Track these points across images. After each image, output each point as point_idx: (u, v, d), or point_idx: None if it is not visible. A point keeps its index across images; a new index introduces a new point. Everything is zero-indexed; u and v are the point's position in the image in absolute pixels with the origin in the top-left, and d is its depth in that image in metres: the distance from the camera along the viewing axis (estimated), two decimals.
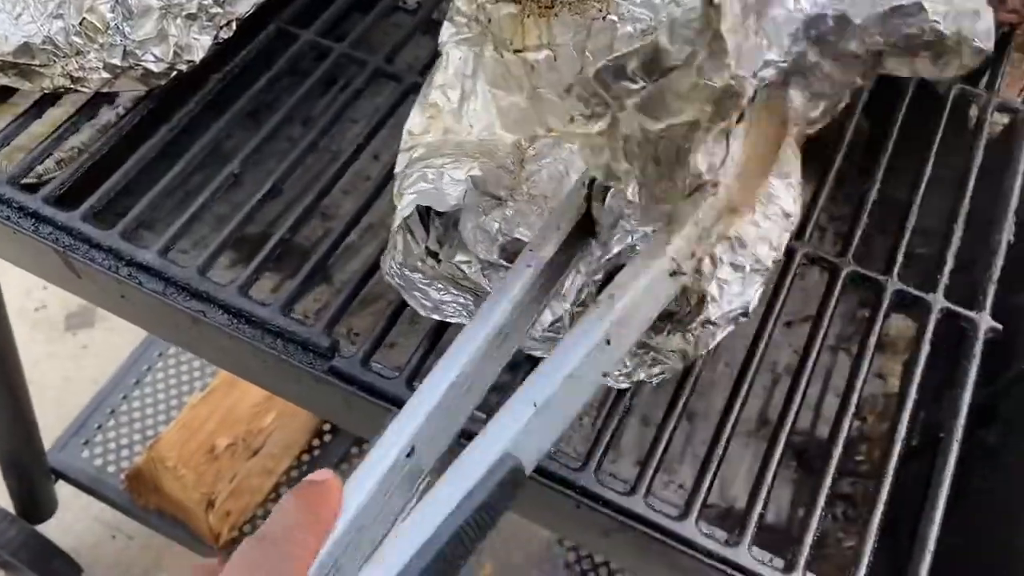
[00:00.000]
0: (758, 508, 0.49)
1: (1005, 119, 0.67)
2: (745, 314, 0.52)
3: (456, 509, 0.34)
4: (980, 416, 0.63)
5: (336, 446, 1.32)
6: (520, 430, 0.37)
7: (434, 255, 0.52)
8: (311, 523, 0.34)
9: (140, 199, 0.59)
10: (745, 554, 0.48)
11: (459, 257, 0.51)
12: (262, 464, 1.27)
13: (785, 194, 0.55)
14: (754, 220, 0.53)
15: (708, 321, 0.51)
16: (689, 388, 0.53)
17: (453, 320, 0.53)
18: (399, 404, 0.51)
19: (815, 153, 0.65)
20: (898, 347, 0.84)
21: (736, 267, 0.52)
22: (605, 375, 0.42)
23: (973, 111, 0.67)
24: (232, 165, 0.60)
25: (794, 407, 0.53)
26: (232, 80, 0.65)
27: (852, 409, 0.53)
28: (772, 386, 0.77)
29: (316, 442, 1.33)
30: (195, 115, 0.63)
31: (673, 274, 0.43)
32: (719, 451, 0.51)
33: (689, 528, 0.48)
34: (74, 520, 1.36)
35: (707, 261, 0.51)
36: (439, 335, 0.54)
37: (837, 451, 0.51)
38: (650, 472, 0.50)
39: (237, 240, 0.61)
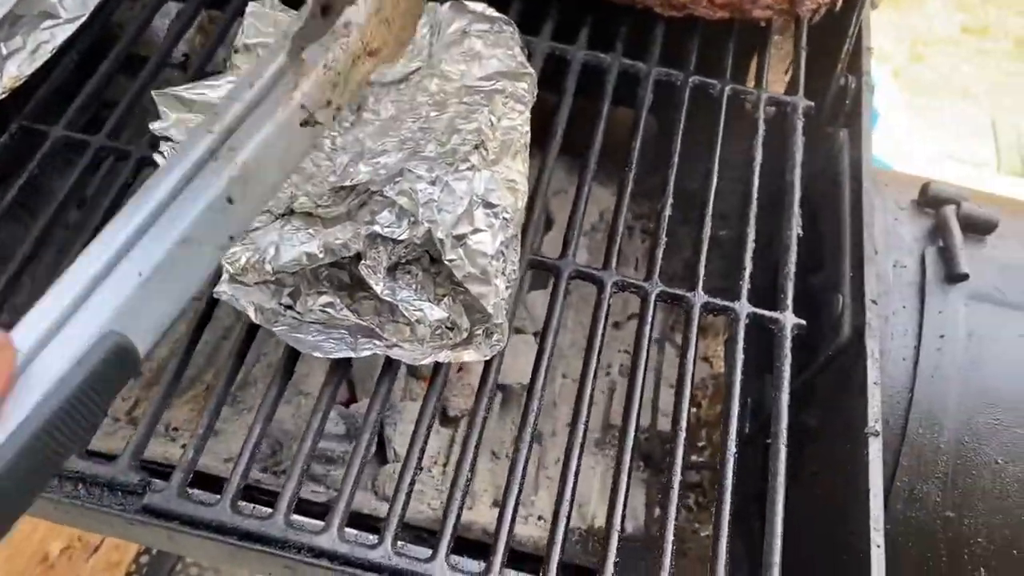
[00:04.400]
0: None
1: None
2: (489, 205, 0.52)
3: (51, 392, 0.31)
4: (799, 400, 0.66)
5: None
6: (124, 304, 0.34)
7: (290, 307, 0.52)
8: None
9: None
10: None
11: (322, 300, 0.52)
12: (105, 559, 1.19)
13: None
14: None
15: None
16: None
17: (336, 355, 0.52)
18: (227, 532, 0.48)
19: (611, 153, 0.66)
20: (718, 327, 0.87)
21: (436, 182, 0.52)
22: (231, 238, 0.39)
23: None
24: None
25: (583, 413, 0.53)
26: None
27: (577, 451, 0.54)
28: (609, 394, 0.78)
29: None
30: None
31: (305, 123, 0.41)
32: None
33: None
34: None
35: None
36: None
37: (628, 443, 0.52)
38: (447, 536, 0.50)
39: None
